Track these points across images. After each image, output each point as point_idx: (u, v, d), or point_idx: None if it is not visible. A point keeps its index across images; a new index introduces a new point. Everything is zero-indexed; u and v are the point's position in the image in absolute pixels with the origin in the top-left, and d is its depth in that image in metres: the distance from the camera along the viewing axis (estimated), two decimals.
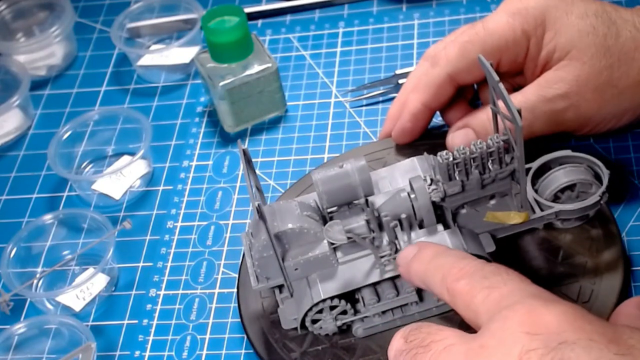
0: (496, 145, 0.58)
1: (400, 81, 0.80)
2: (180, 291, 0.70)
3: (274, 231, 0.59)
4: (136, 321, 0.69)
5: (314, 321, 0.62)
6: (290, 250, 0.60)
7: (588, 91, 0.65)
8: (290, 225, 0.59)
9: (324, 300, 0.60)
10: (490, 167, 0.59)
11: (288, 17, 0.92)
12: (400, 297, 0.60)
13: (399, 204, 0.60)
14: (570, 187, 0.62)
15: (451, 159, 0.58)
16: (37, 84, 0.91)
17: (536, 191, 0.63)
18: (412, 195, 0.60)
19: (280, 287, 0.62)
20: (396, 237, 0.60)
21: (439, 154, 0.59)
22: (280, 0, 0.93)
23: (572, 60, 0.65)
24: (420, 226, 0.61)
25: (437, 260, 0.55)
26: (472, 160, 0.59)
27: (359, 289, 0.61)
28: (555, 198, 0.62)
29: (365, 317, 0.61)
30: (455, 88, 0.70)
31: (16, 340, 0.68)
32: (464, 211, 0.62)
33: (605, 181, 0.61)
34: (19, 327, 0.68)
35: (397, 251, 0.60)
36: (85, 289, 0.70)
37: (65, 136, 0.80)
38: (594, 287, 0.60)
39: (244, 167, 0.59)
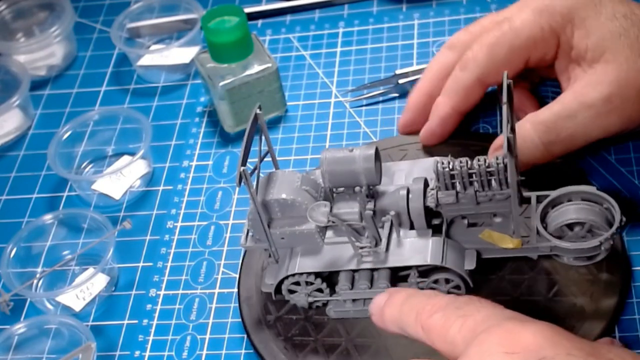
0: (497, 165, 0.57)
1: (400, 81, 0.80)
2: (180, 291, 0.70)
3: (267, 197, 0.60)
4: (136, 321, 0.69)
5: (291, 291, 0.63)
6: (280, 219, 0.61)
7: (631, 91, 0.63)
8: (283, 196, 0.60)
9: (300, 274, 0.61)
10: (494, 185, 0.59)
11: (288, 17, 0.92)
12: (371, 290, 0.61)
13: (395, 201, 0.61)
14: (582, 224, 0.60)
15: (448, 169, 0.58)
16: (37, 84, 0.91)
17: (546, 220, 0.61)
18: (410, 196, 0.60)
19: None
20: (379, 232, 0.60)
21: (439, 161, 0.59)
22: (280, 0, 0.93)
23: (608, 63, 0.63)
24: (413, 227, 0.61)
25: (409, 302, 0.55)
26: (469, 175, 0.58)
27: (338, 272, 0.62)
28: (563, 232, 0.60)
29: (338, 300, 0.63)
30: (484, 90, 0.69)
31: (16, 340, 0.68)
32: (464, 222, 0.61)
33: (613, 229, 0.58)
34: (19, 327, 0.68)
35: (376, 245, 0.60)
36: (85, 289, 0.70)
37: (65, 136, 0.80)
38: (572, 331, 0.56)
39: (249, 128, 0.60)
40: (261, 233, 0.62)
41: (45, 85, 0.92)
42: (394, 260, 0.60)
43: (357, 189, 0.60)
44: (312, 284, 0.62)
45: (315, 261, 0.61)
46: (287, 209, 0.61)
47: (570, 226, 0.60)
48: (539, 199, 0.61)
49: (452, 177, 0.59)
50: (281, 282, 0.62)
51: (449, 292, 0.60)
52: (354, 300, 0.62)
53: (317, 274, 0.61)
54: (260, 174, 0.62)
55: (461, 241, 0.61)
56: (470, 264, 0.60)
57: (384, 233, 0.61)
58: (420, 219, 0.60)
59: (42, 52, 0.91)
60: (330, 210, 0.60)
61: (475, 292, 0.61)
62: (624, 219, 0.58)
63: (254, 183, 0.61)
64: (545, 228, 0.60)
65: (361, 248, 0.60)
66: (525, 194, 0.62)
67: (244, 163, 0.58)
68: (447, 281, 0.60)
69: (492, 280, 0.62)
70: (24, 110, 0.87)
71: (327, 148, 0.61)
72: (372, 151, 0.60)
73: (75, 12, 0.94)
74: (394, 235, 0.61)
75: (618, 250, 0.61)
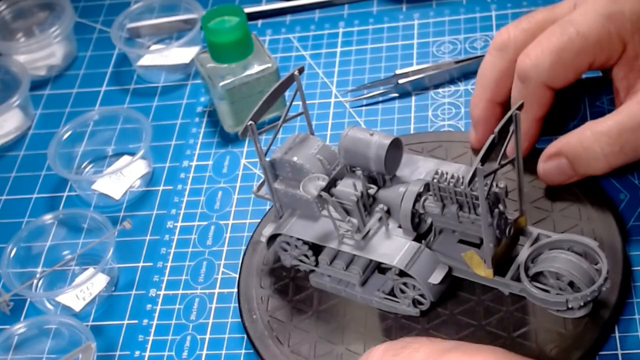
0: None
1: (400, 81, 0.80)
2: (180, 291, 0.70)
3: (282, 155, 0.62)
4: (136, 321, 0.69)
5: (284, 249, 0.65)
6: (289, 179, 0.63)
7: None
8: (294, 159, 0.62)
9: (290, 237, 0.63)
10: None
11: (288, 17, 0.92)
12: (345, 272, 0.62)
13: (393, 196, 0.61)
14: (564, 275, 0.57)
15: (437, 181, 0.57)
16: (37, 84, 0.91)
17: (537, 260, 0.59)
18: (404, 195, 0.60)
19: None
20: (364, 219, 0.61)
21: (434, 171, 0.58)
22: (280, 0, 0.93)
23: None
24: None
25: None
26: (456, 194, 0.57)
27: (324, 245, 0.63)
28: (547, 277, 0.58)
29: (317, 271, 0.64)
30: (554, 93, 0.66)
31: (16, 340, 0.68)
32: (454, 235, 0.61)
33: (586, 292, 0.55)
34: (19, 327, 0.68)
35: (358, 230, 0.60)
36: (85, 289, 0.70)
37: (65, 136, 0.80)
38: None
39: (276, 86, 0.62)
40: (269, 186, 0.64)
41: (45, 85, 0.92)
42: (368, 252, 0.60)
43: (358, 172, 0.61)
44: (300, 248, 0.63)
45: (305, 229, 0.62)
46: (296, 172, 0.63)
47: (557, 274, 0.57)
48: (540, 237, 0.60)
49: (443, 190, 0.58)
50: (275, 237, 0.64)
51: (414, 300, 0.60)
52: (330, 276, 0.63)
53: (307, 242, 0.63)
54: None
55: (443, 253, 0.60)
56: (435, 279, 0.59)
57: (370, 222, 0.61)
58: (406, 220, 0.60)
59: (42, 52, 0.91)
60: (335, 185, 0.61)
61: (448, 308, 0.61)
62: (605, 287, 0.56)
63: (271, 138, 0.63)
64: (530, 267, 0.58)
65: (347, 231, 0.61)
66: (531, 228, 0.61)
67: (254, 118, 0.60)
68: (415, 287, 0.60)
69: (470, 302, 0.61)
70: (24, 110, 0.87)
71: (354, 126, 0.62)
72: (388, 141, 0.60)
73: (75, 12, 0.94)
74: (383, 228, 0.61)
75: (604, 313, 0.58)
